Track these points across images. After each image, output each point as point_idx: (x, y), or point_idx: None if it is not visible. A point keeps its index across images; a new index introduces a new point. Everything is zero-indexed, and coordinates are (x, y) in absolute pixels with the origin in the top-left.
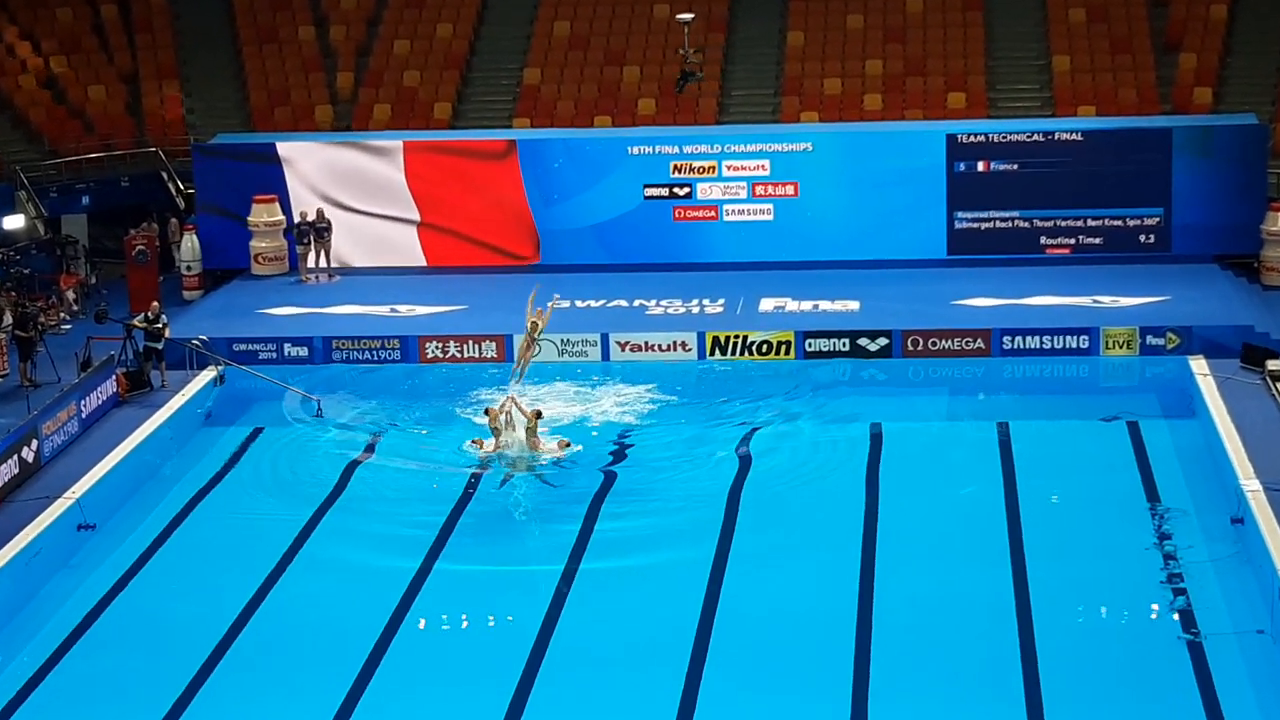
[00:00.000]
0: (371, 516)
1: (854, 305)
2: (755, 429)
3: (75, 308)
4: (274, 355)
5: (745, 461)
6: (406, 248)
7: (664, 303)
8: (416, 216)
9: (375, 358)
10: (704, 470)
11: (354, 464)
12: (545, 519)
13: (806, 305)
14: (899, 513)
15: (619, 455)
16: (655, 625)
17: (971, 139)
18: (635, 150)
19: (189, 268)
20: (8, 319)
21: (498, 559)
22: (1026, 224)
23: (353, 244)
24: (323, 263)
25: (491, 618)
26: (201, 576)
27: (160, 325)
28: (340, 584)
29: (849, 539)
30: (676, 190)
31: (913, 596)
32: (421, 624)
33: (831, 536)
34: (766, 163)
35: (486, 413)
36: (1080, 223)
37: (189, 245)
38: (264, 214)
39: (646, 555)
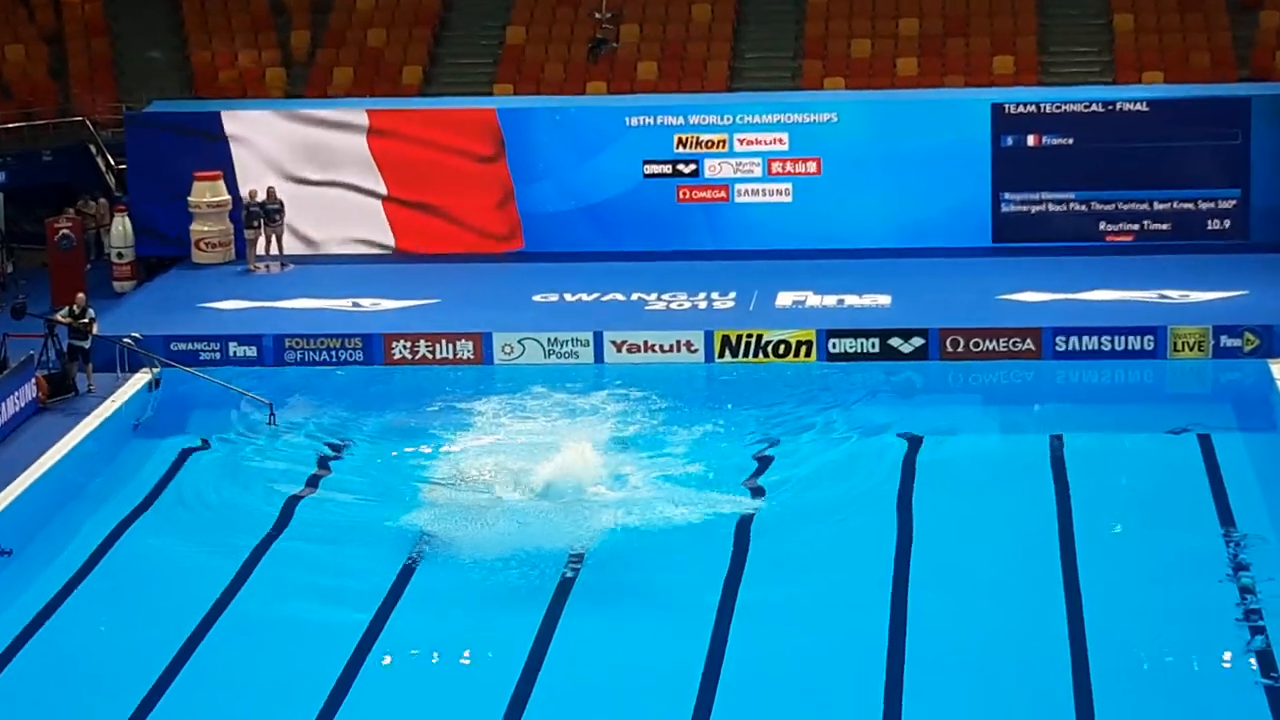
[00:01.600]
0: (325, 552)
1: (885, 300)
2: (770, 446)
3: None
4: (217, 355)
5: (757, 492)
6: (372, 233)
7: (666, 296)
8: (383, 194)
9: (334, 359)
10: (706, 499)
11: (310, 485)
12: (520, 564)
13: (830, 300)
14: (936, 542)
15: (610, 480)
16: (653, 690)
17: (1020, 109)
18: (634, 121)
19: (120, 255)
20: None
21: (457, 622)
22: (1083, 207)
23: (309, 228)
24: (274, 249)
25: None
26: (129, 617)
27: (86, 321)
28: (284, 638)
29: (878, 576)
30: (681, 167)
31: (953, 639)
32: (373, 684)
33: (859, 574)
34: (785, 136)
35: None
36: (1145, 206)
37: (120, 229)
38: (207, 193)
39: (639, 610)
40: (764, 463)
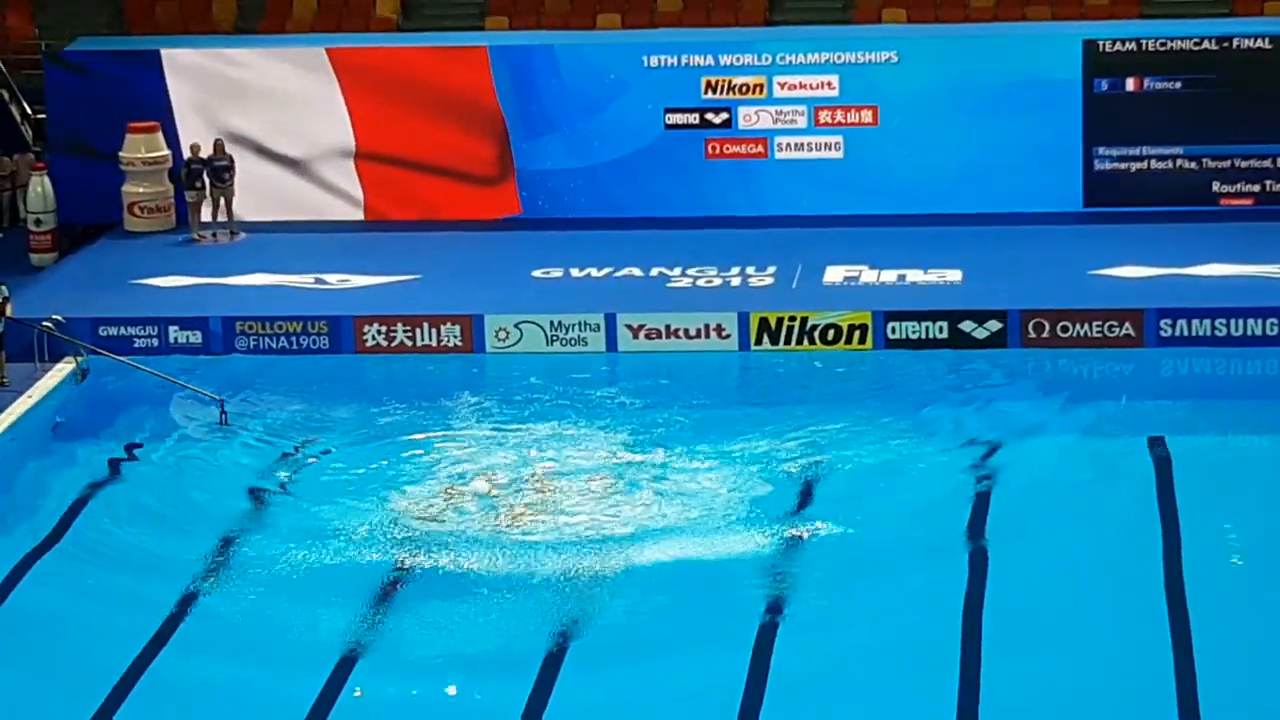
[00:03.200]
0: (280, 592)
1: (955, 276)
2: (816, 453)
3: None
4: (155, 342)
5: (800, 512)
6: (339, 196)
7: (692, 272)
8: (353, 150)
9: (295, 345)
10: (739, 520)
11: (260, 501)
12: (510, 617)
13: (889, 276)
14: (1015, 568)
15: (621, 499)
16: None
17: (1118, 47)
18: (653, 61)
19: (38, 221)
20: None
21: (430, 694)
22: (1193, 165)
23: (264, 189)
24: (222, 215)
25: None
26: (39, 663)
27: None
28: (221, 705)
29: (945, 622)
30: (710, 117)
31: (1033, 688)
32: None
33: (922, 618)
34: (834, 79)
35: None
36: (1269, 163)
37: (38, 190)
38: (142, 147)
39: (650, 665)
40: (808, 474)
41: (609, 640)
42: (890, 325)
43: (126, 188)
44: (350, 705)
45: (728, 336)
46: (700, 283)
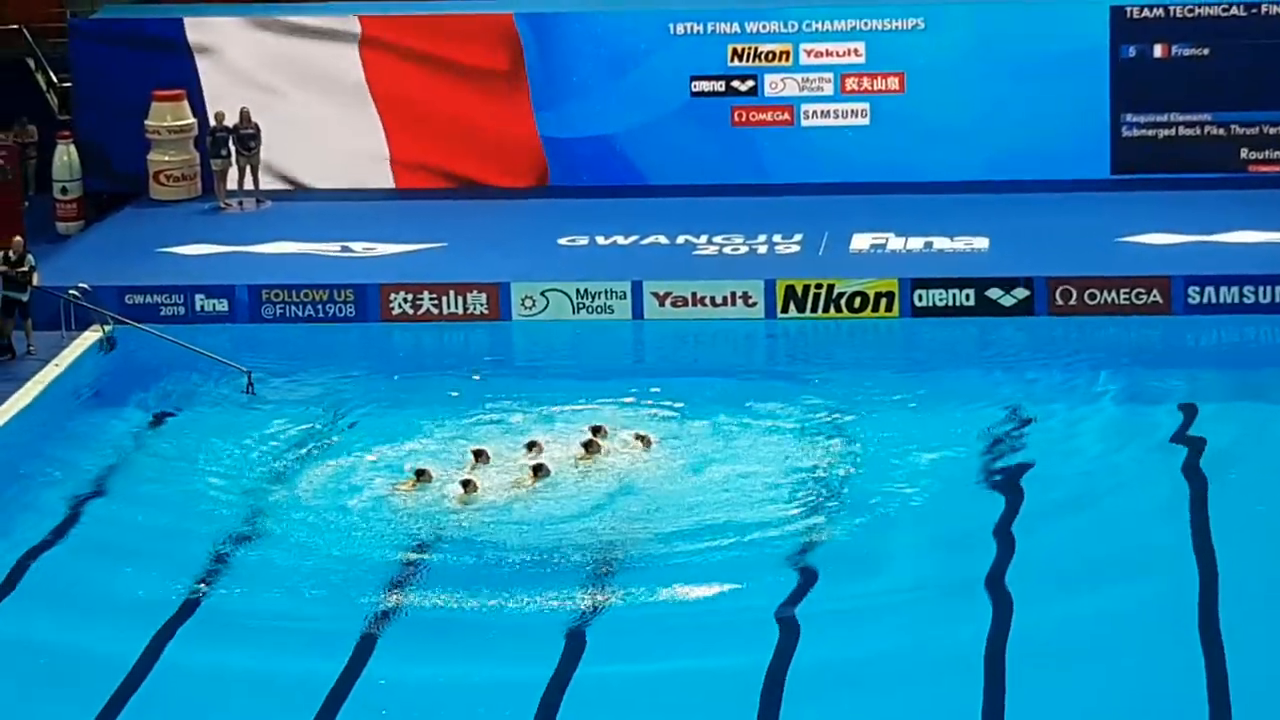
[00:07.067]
0: (307, 560)
1: (981, 243)
2: (842, 421)
3: None
4: (181, 310)
5: (826, 481)
6: (366, 164)
7: (719, 239)
8: (380, 121)
9: (321, 314)
10: (765, 494)
11: (286, 471)
12: (535, 593)
13: (916, 243)
14: (1043, 537)
15: (648, 469)
16: None
17: (1145, 12)
18: (679, 29)
19: (64, 190)
20: None
21: (452, 659)
22: (1221, 131)
23: (292, 157)
24: (248, 183)
25: None
26: (69, 623)
27: (25, 269)
28: (234, 694)
29: (971, 589)
30: (736, 84)
31: (1057, 693)
32: None
33: (948, 594)
34: (861, 46)
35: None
36: None
37: (64, 159)
38: (167, 116)
39: (671, 664)
40: (835, 443)
41: (634, 613)
42: (917, 293)
43: (152, 156)
44: (373, 689)
45: (754, 304)
46: (727, 250)
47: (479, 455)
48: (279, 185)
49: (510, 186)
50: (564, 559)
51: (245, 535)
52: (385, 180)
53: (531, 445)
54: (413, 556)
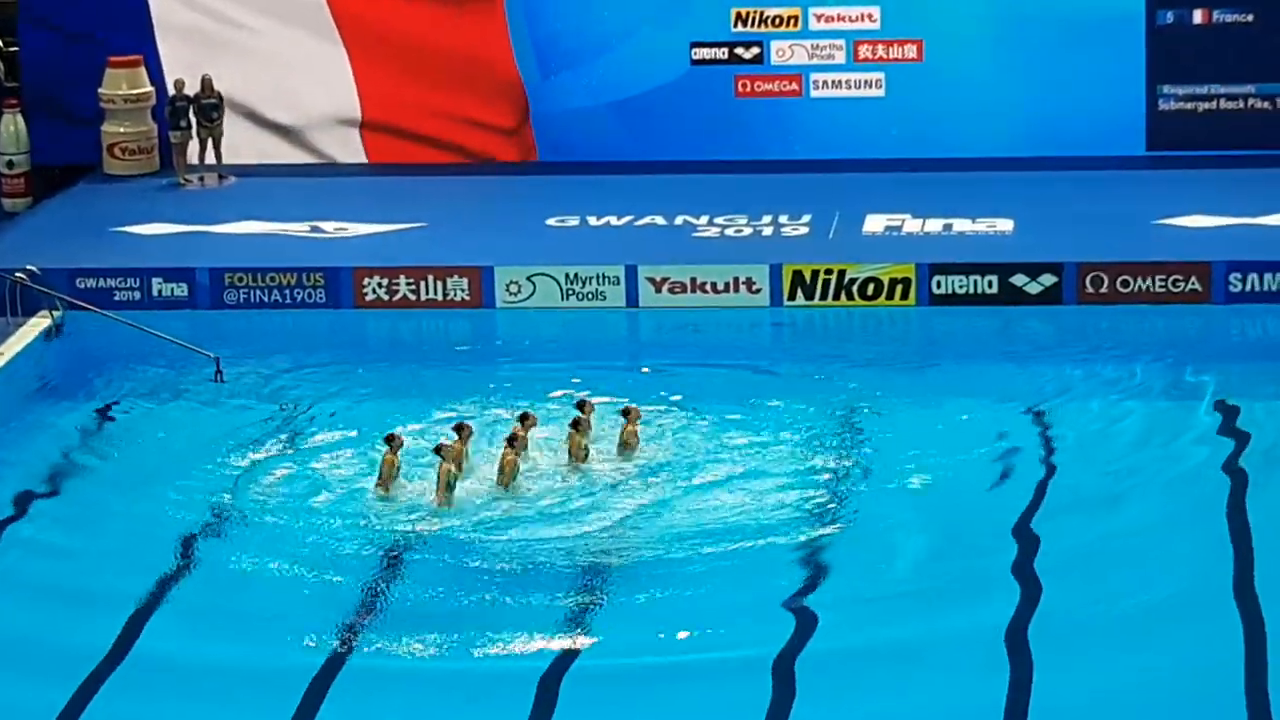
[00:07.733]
0: (278, 556)
1: (1006, 226)
2: (853, 418)
3: None
4: (137, 295)
5: (837, 484)
6: (336, 137)
7: (720, 220)
8: (355, 88)
9: (288, 299)
10: (769, 496)
11: (254, 464)
12: (510, 579)
13: (934, 225)
14: (1069, 538)
15: (641, 472)
16: None
17: None
18: None
19: (11, 164)
20: None
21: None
22: (1266, 104)
23: (256, 129)
24: (210, 157)
25: None
26: (17, 638)
27: None
28: (218, 673)
29: (992, 591)
30: (740, 51)
31: (1081, 693)
32: None
33: (964, 601)
34: (875, 10)
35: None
36: None
37: (10, 130)
38: (123, 84)
39: (680, 630)
40: (844, 440)
41: (629, 609)
42: (935, 279)
43: (106, 127)
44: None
45: (758, 290)
46: (729, 232)
47: (461, 430)
48: (243, 159)
49: (495, 161)
50: (553, 561)
51: (209, 533)
52: (360, 154)
53: (524, 417)
54: (389, 550)
